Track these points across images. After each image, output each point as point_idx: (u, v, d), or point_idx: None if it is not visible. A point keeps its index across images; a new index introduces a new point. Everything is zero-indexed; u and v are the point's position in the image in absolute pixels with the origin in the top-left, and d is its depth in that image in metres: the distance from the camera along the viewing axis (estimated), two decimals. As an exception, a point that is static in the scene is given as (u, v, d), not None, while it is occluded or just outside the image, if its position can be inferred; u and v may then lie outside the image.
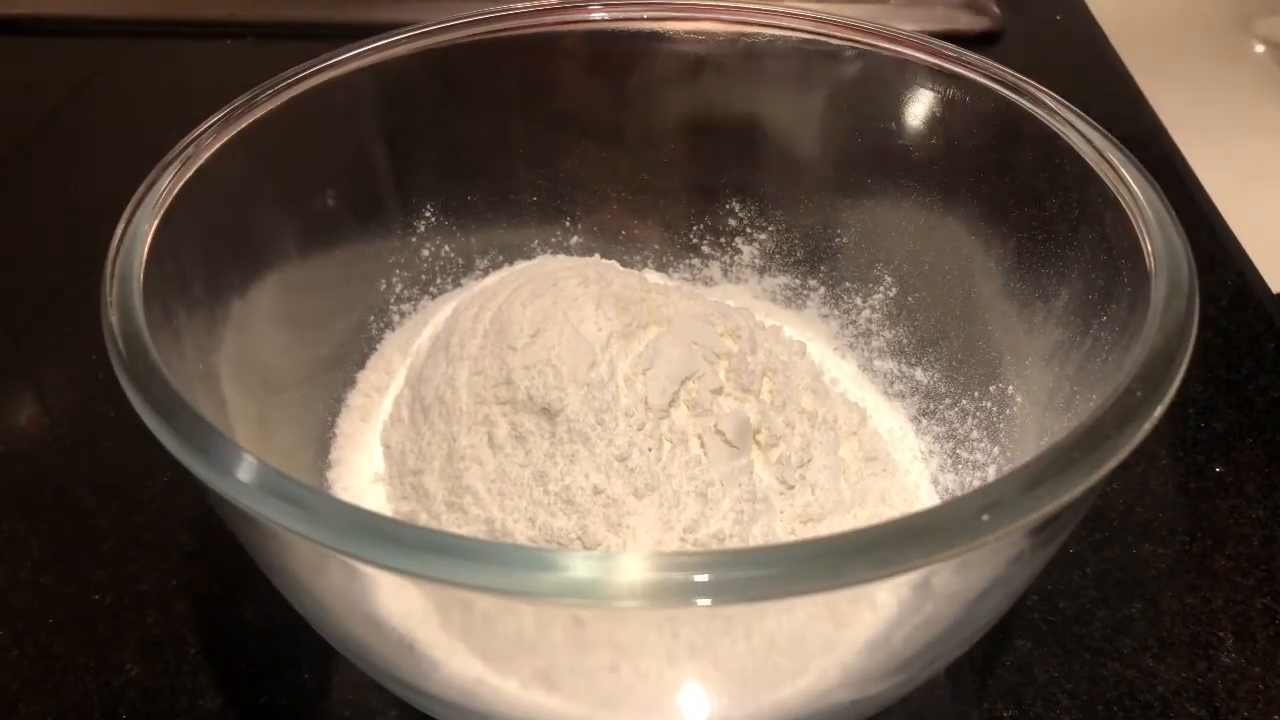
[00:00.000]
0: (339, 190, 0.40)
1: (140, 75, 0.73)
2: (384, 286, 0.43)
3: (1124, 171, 0.32)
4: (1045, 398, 0.34)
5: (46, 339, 0.51)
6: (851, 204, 0.43)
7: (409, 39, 0.40)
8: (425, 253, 0.44)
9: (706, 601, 0.21)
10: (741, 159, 0.45)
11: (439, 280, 0.45)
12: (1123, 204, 0.31)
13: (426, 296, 0.44)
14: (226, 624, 0.38)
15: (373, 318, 0.43)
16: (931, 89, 0.39)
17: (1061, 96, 0.35)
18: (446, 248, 0.44)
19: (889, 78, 0.40)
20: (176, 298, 0.31)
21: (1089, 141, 0.33)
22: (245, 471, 0.23)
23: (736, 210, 0.45)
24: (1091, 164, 0.33)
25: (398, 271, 0.43)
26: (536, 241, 0.46)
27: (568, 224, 0.46)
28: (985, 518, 0.22)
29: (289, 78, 0.37)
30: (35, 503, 0.42)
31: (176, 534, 0.41)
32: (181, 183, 0.32)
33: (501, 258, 0.46)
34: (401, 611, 0.26)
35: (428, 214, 0.43)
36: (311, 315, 0.40)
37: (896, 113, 0.40)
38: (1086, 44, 0.75)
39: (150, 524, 0.41)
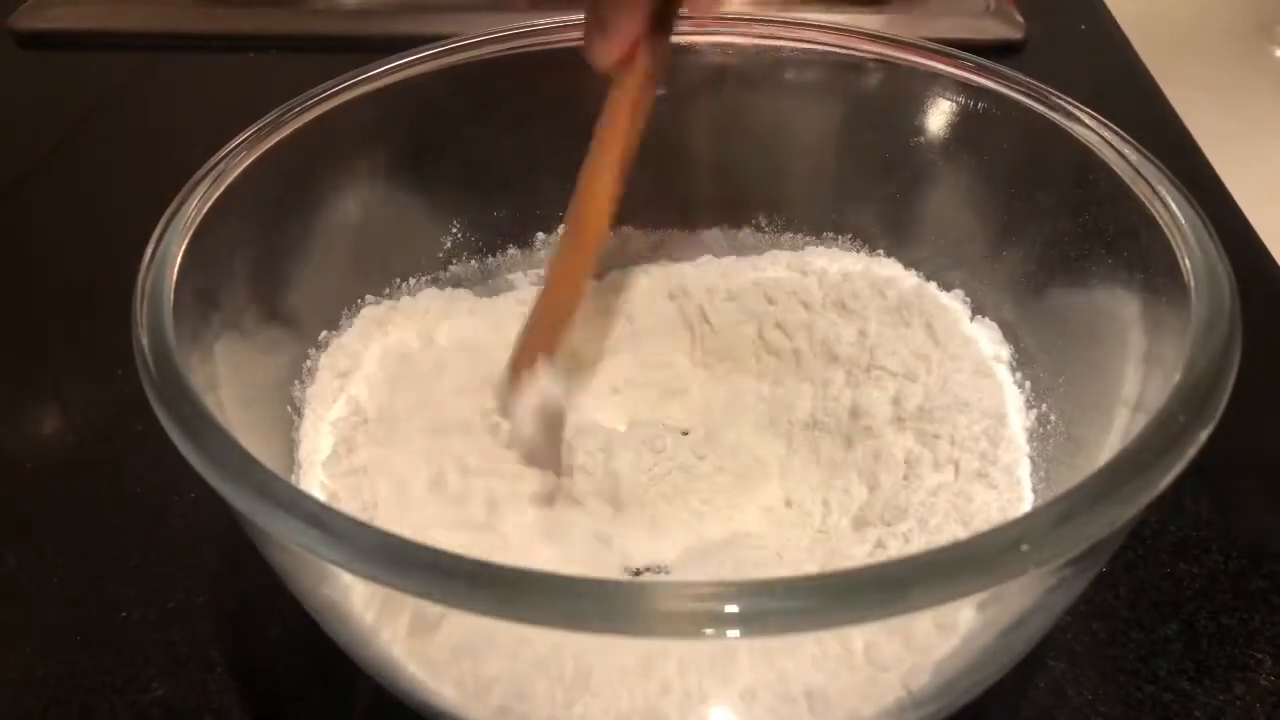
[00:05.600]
0: (366, 206, 0.40)
1: (166, 89, 0.73)
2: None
3: (1160, 188, 0.31)
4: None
5: (73, 353, 0.51)
6: (877, 218, 0.43)
7: (435, 55, 0.40)
8: (453, 268, 0.44)
9: (735, 633, 0.21)
10: (768, 172, 0.44)
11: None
12: (1160, 221, 0.31)
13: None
14: (253, 642, 0.38)
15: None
16: (961, 103, 0.39)
17: (1088, 105, 0.35)
18: (473, 263, 0.44)
19: (918, 91, 0.40)
20: (206, 316, 0.31)
21: (1124, 157, 0.33)
22: (280, 498, 0.23)
23: (763, 224, 0.45)
24: (1127, 180, 0.32)
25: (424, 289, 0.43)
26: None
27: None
28: (1024, 548, 0.21)
29: (315, 95, 0.37)
30: (62, 518, 0.42)
31: (203, 550, 0.41)
32: (210, 202, 0.32)
33: (526, 275, 0.46)
34: (430, 637, 0.26)
35: (454, 230, 0.43)
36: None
37: (925, 127, 0.40)
38: (1111, 52, 0.74)
39: (176, 540, 0.41)
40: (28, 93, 0.74)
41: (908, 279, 0.42)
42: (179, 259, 0.29)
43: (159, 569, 0.40)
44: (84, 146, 0.67)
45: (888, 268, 0.42)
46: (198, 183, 0.32)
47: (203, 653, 0.37)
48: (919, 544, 0.33)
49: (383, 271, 0.41)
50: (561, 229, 0.36)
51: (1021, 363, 0.38)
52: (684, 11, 0.35)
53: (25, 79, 0.75)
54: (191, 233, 0.30)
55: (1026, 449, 0.36)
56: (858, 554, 0.33)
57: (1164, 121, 0.66)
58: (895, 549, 0.33)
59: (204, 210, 0.31)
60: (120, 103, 0.71)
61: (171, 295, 0.28)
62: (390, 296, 0.41)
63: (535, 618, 0.21)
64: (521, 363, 0.37)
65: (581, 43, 0.34)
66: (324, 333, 0.39)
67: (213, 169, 0.32)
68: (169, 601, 0.39)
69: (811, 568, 0.33)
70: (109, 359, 0.49)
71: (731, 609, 0.20)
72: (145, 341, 0.27)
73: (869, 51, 0.40)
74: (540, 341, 0.37)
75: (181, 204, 0.31)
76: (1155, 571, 0.39)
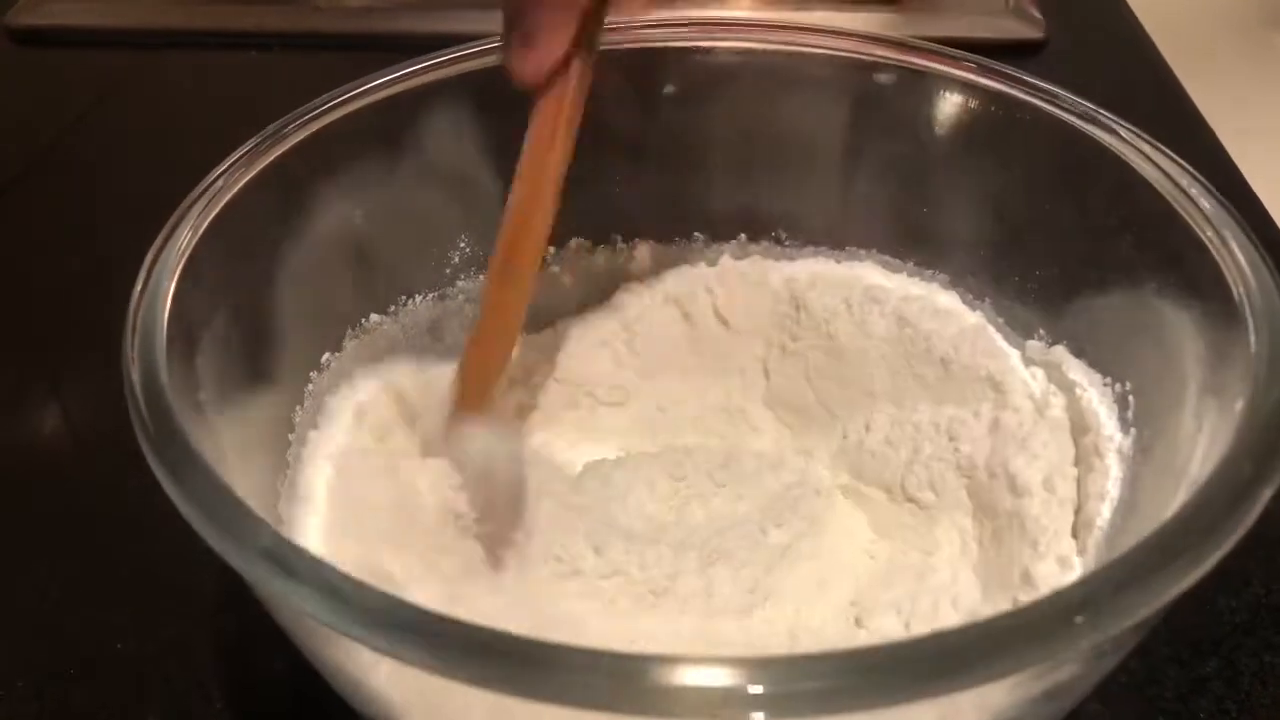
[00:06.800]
0: (369, 222, 0.38)
1: (165, 87, 0.72)
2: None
3: (1210, 211, 0.29)
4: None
5: (67, 366, 0.50)
6: (905, 234, 0.41)
7: (439, 64, 0.38)
8: (460, 284, 0.42)
9: (760, 716, 0.19)
10: (791, 185, 0.42)
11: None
12: (1210, 247, 0.29)
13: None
14: (253, 676, 0.36)
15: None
16: (993, 115, 0.37)
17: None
18: (481, 278, 0.42)
19: (949, 102, 0.38)
20: (202, 343, 0.29)
21: (1169, 177, 0.31)
22: (279, 559, 0.21)
23: (784, 239, 0.43)
24: (1173, 201, 0.31)
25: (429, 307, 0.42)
26: (575, 273, 0.44)
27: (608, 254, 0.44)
28: (1079, 619, 0.20)
29: (313, 110, 0.35)
30: (55, 544, 0.41)
31: (202, 577, 0.39)
32: (205, 224, 0.30)
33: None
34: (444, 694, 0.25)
35: (461, 244, 0.42)
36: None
37: (955, 140, 0.38)
38: (1134, 50, 0.73)
39: (174, 567, 0.39)
40: (25, 91, 0.72)
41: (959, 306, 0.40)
42: (172, 289, 0.28)
43: (155, 596, 0.39)
44: (82, 145, 0.66)
45: (917, 287, 0.40)
46: (191, 204, 0.30)
47: (201, 687, 0.36)
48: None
49: (387, 289, 0.40)
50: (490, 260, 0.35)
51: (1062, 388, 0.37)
52: (611, 16, 0.33)
53: (22, 77, 0.74)
54: (185, 259, 0.29)
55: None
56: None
57: (1188, 121, 0.64)
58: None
59: (199, 234, 0.29)
60: (119, 101, 0.70)
61: (164, 328, 0.27)
62: (394, 315, 0.40)
63: (547, 694, 0.19)
64: (463, 406, 0.35)
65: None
66: (326, 355, 0.37)
67: (206, 190, 0.31)
68: (165, 631, 0.38)
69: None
70: (105, 374, 0.47)
71: (756, 690, 0.19)
72: (137, 379, 0.26)
73: (895, 59, 0.39)
74: (473, 389, 0.35)
75: (174, 228, 0.29)
76: (1194, 605, 0.37)
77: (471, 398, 0.35)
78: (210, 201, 0.30)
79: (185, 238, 0.29)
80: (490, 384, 0.35)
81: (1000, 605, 0.33)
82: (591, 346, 0.42)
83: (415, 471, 0.35)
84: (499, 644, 0.19)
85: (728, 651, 0.32)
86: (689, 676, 0.19)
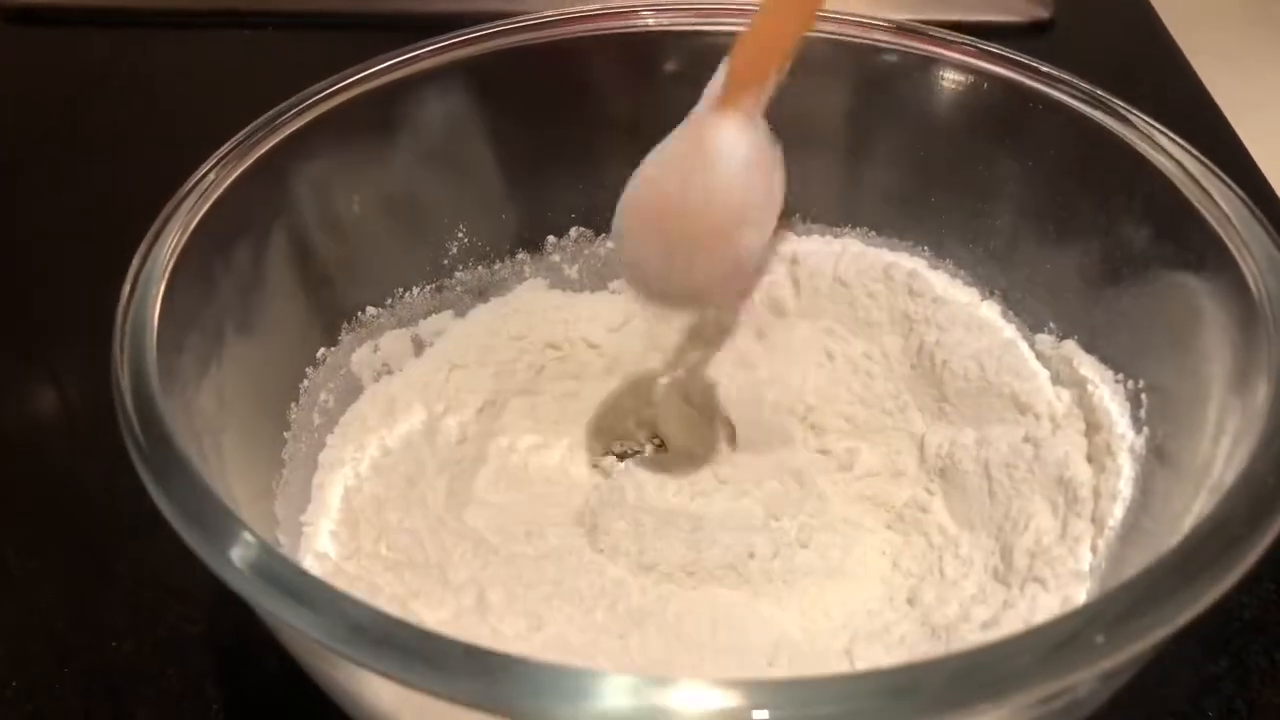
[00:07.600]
0: (364, 213, 0.37)
1: (159, 67, 0.71)
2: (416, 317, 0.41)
3: (1227, 206, 0.29)
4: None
5: (63, 359, 0.49)
6: (915, 224, 0.40)
7: (436, 50, 0.38)
8: (459, 275, 0.41)
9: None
10: (800, 175, 0.42)
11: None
12: (1227, 243, 0.28)
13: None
14: (251, 678, 0.36)
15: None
16: (1004, 103, 0.36)
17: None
18: (480, 269, 0.42)
19: (958, 89, 0.37)
20: (194, 345, 0.29)
21: (1185, 170, 0.30)
22: (271, 572, 0.21)
23: (796, 228, 0.42)
24: (1189, 195, 0.30)
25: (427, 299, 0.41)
26: (575, 266, 0.43)
27: (610, 246, 0.43)
28: (1100, 639, 0.19)
29: (307, 98, 0.34)
30: (47, 542, 0.40)
31: (197, 577, 0.38)
32: (195, 221, 0.29)
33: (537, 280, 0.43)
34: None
35: (459, 234, 0.41)
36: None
37: (964, 127, 0.38)
38: (1141, 30, 0.71)
39: (170, 565, 0.39)
40: (17, 71, 0.71)
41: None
42: (161, 292, 0.27)
43: (152, 596, 0.38)
44: (77, 126, 0.65)
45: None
46: (181, 201, 0.29)
47: (197, 688, 0.35)
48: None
49: (382, 281, 0.39)
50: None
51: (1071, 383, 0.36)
52: None
53: (14, 57, 0.72)
54: (174, 258, 0.28)
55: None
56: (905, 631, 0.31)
57: (1195, 100, 0.62)
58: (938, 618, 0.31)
59: (188, 231, 0.29)
60: (112, 81, 0.69)
61: (154, 332, 0.26)
62: (390, 308, 0.39)
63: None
64: (743, 75, 0.32)
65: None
66: (321, 350, 0.36)
67: (195, 185, 0.30)
68: (161, 631, 0.37)
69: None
70: (99, 365, 0.47)
71: (762, 714, 0.18)
72: (126, 385, 0.25)
73: (900, 44, 0.38)
74: (755, 64, 0.32)
75: (163, 226, 0.28)
76: (1204, 603, 0.37)
77: (750, 73, 0.32)
78: (200, 198, 0.29)
79: (174, 236, 0.28)
80: (771, 65, 0.32)
81: (1006, 602, 0.32)
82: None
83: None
84: (491, 665, 0.19)
85: (737, 639, 0.32)
86: (692, 699, 0.18)
